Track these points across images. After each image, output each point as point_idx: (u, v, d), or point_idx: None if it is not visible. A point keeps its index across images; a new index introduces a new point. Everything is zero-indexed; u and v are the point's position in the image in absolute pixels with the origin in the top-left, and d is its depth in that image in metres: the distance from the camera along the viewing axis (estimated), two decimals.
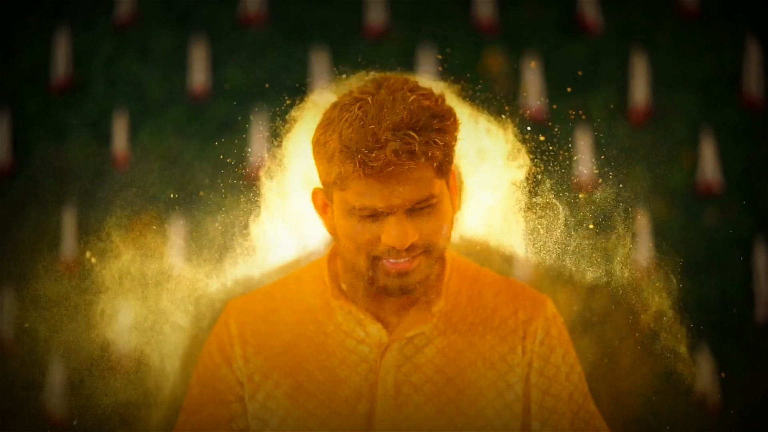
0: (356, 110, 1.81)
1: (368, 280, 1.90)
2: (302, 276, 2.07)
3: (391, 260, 1.86)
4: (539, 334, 2.01)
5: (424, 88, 1.86)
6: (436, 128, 1.80)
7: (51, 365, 3.00)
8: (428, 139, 1.79)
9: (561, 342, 2.03)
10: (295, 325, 2.00)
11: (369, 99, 1.82)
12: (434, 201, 1.84)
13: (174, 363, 2.86)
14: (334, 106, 1.88)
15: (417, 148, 1.77)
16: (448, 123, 1.83)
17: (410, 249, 1.85)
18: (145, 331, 2.96)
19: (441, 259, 1.99)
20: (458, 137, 1.89)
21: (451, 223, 1.91)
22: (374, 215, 1.83)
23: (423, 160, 1.79)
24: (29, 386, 3.02)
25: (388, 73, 1.92)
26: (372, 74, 1.94)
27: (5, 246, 3.01)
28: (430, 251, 1.87)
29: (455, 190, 1.96)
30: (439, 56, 3.13)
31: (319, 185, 1.95)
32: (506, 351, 1.98)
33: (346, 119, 1.81)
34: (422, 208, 1.83)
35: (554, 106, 3.13)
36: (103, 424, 2.85)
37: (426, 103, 1.81)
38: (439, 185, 1.84)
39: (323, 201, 1.94)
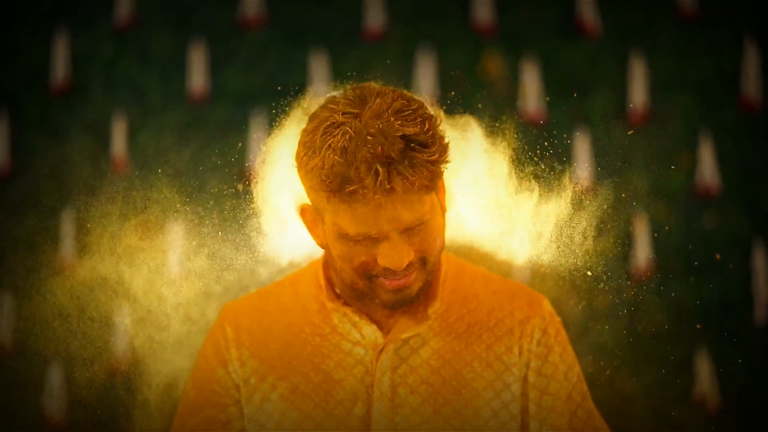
0: (339, 137, 1.75)
1: (368, 297, 1.90)
2: (298, 279, 2.07)
3: (389, 279, 1.85)
4: (536, 333, 2.01)
5: (412, 110, 1.79)
6: (419, 158, 1.75)
7: (50, 368, 3.01)
8: (409, 170, 1.74)
9: (558, 341, 2.03)
10: (291, 327, 2.00)
11: (351, 125, 1.76)
12: (427, 218, 1.82)
13: (172, 366, 2.86)
14: (316, 127, 1.81)
15: (398, 183, 1.73)
16: (433, 150, 1.77)
17: (407, 267, 1.84)
18: (143, 334, 2.96)
19: (437, 262, 2.00)
20: (448, 157, 1.83)
21: (444, 228, 1.89)
22: (368, 239, 1.81)
23: (404, 190, 1.75)
24: (28, 388, 3.02)
25: (374, 85, 1.85)
26: (357, 86, 1.90)
27: (4, 248, 3.01)
28: (425, 263, 1.87)
29: (443, 192, 1.93)
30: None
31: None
32: (503, 351, 1.98)
33: (329, 145, 1.76)
34: (416, 226, 1.82)
35: (552, 109, 3.13)
36: (101, 426, 2.86)
37: (410, 130, 1.76)
38: (428, 201, 1.81)
39: (313, 218, 1.91)
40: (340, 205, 1.77)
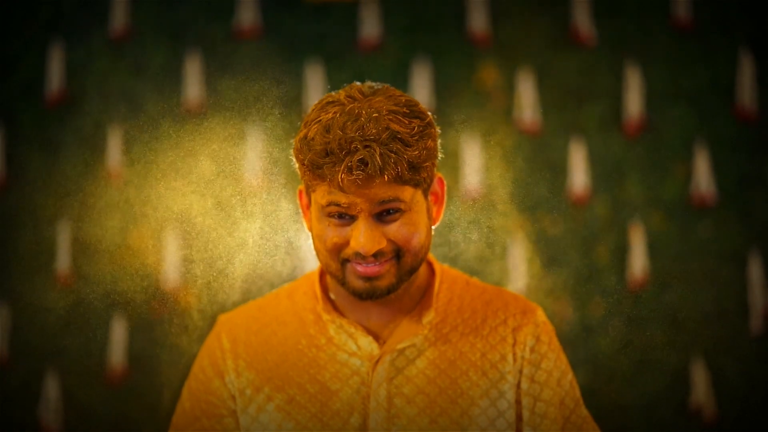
0: (331, 114, 1.81)
1: (340, 282, 1.91)
2: (294, 290, 2.07)
3: (359, 264, 1.86)
4: (529, 340, 2.00)
5: (410, 116, 1.82)
6: (397, 150, 1.78)
7: (46, 379, 3.00)
8: (387, 155, 1.77)
9: (552, 348, 2.02)
10: (287, 338, 2.00)
11: (346, 106, 1.81)
12: (402, 206, 1.83)
13: (168, 377, 2.85)
14: (319, 102, 1.87)
15: (376, 160, 1.76)
16: (413, 149, 1.80)
17: (378, 255, 1.85)
18: (139, 345, 2.96)
19: (425, 270, 2.01)
20: (429, 163, 1.85)
21: (427, 233, 1.90)
22: (343, 217, 1.83)
23: (378, 172, 1.78)
24: (25, 399, 3.02)
25: (396, 91, 1.88)
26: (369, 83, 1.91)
27: (0, 260, 3.01)
28: (399, 258, 1.87)
29: (439, 201, 1.95)
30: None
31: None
32: (497, 359, 1.98)
33: (319, 119, 1.81)
34: (391, 213, 1.83)
35: (548, 119, 3.13)
36: None
37: (396, 127, 1.79)
38: (409, 192, 1.83)
39: (306, 201, 1.94)
40: (316, 171, 1.80)
